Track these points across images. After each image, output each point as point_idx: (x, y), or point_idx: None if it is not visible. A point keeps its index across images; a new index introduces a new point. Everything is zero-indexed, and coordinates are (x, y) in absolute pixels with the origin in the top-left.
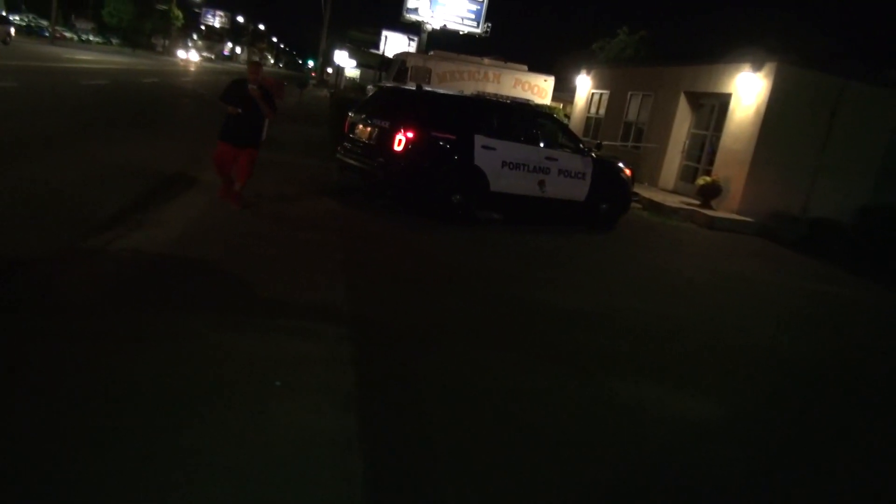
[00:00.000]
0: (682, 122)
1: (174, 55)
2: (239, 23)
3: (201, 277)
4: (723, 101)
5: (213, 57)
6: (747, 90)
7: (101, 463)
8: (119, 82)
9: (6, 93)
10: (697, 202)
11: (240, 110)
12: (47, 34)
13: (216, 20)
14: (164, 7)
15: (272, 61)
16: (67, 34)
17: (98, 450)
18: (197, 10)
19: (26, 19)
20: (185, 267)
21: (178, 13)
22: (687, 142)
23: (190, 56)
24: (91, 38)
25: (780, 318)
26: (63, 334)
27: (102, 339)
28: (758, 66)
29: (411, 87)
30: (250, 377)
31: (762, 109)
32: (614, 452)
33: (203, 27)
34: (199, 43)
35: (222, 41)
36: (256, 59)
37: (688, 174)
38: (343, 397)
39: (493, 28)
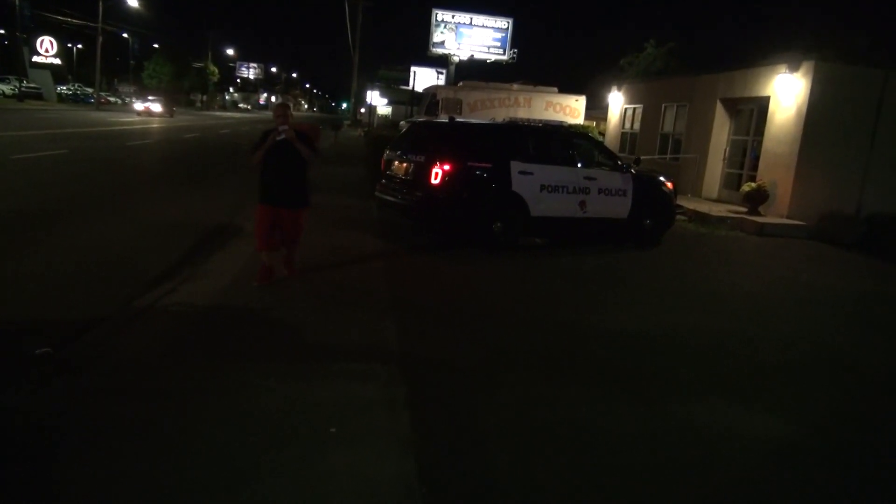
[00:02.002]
0: (721, 130)
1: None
2: (272, 73)
3: (251, 327)
4: (761, 105)
5: (249, 107)
6: (786, 92)
7: None
8: (162, 140)
9: (57, 160)
10: (745, 209)
11: (265, 154)
12: (92, 101)
13: (251, 72)
14: (201, 64)
15: (306, 106)
16: (111, 99)
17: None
18: (232, 64)
19: (72, 88)
20: (235, 317)
21: (214, 69)
22: (727, 149)
23: (152, 106)
24: (133, 100)
25: (850, 325)
26: (125, 392)
27: (161, 395)
28: (794, 67)
29: (443, 119)
30: (307, 425)
31: (803, 109)
32: (694, 480)
33: (238, 80)
34: (236, 95)
35: (257, 92)
36: (281, 100)
37: (731, 181)
38: (401, 441)
39: (519, 54)
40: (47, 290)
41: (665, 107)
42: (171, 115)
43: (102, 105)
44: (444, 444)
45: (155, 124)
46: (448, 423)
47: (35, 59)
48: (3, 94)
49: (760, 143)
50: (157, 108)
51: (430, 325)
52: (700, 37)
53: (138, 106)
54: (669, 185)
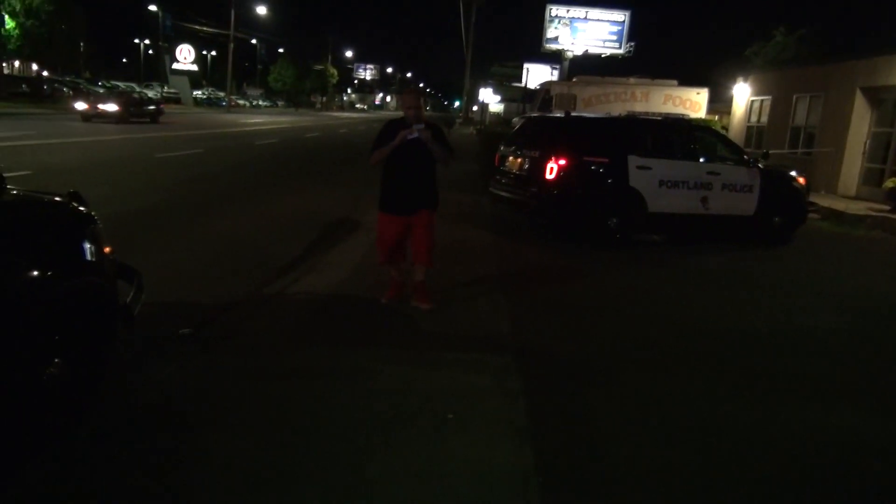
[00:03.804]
0: (861, 122)
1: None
2: (388, 73)
3: (370, 315)
4: None
5: (366, 107)
6: None
7: (290, 495)
8: (286, 139)
9: (195, 158)
10: (887, 207)
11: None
12: (224, 104)
13: (367, 73)
14: (321, 66)
15: None
16: (241, 101)
17: (284, 481)
18: (350, 66)
19: (206, 93)
20: (355, 306)
21: (333, 71)
22: (868, 142)
23: (103, 106)
24: (260, 102)
25: None
26: (257, 371)
27: (290, 375)
28: None
29: (558, 114)
30: (425, 410)
31: None
32: (823, 488)
33: (355, 81)
34: (353, 96)
35: (373, 92)
36: (412, 88)
37: (872, 177)
38: (517, 430)
39: (636, 47)
40: (187, 277)
41: (797, 98)
42: (128, 121)
43: (233, 108)
44: (560, 434)
45: (275, 125)
46: (563, 414)
47: (175, 66)
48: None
49: None
50: (110, 108)
51: (544, 319)
52: (834, 23)
53: (79, 105)
54: (801, 180)
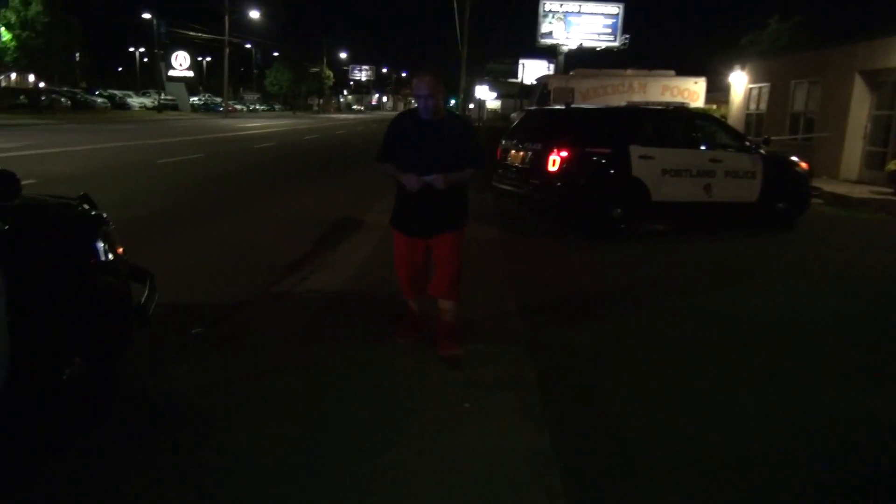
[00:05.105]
0: (861, 105)
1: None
2: (383, 73)
3: (379, 311)
4: None
5: (362, 108)
6: None
7: (311, 488)
8: (285, 142)
9: (194, 163)
10: (890, 190)
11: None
12: (221, 109)
13: (363, 74)
14: (317, 69)
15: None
16: (238, 106)
17: (302, 472)
18: (345, 68)
19: (203, 98)
20: (363, 303)
21: (329, 73)
22: (868, 125)
23: None
24: (257, 106)
25: None
26: (270, 367)
27: (302, 371)
28: None
29: (559, 107)
30: (440, 400)
31: None
32: (839, 467)
33: (351, 82)
34: (350, 97)
35: (370, 93)
36: (428, 70)
37: (874, 161)
38: (534, 418)
39: (631, 39)
40: (195, 278)
41: (795, 84)
42: None
43: (230, 113)
44: (578, 422)
45: (273, 129)
46: (579, 403)
47: (170, 73)
48: (145, 106)
49: None
50: None
51: (554, 309)
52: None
53: None
54: (804, 165)
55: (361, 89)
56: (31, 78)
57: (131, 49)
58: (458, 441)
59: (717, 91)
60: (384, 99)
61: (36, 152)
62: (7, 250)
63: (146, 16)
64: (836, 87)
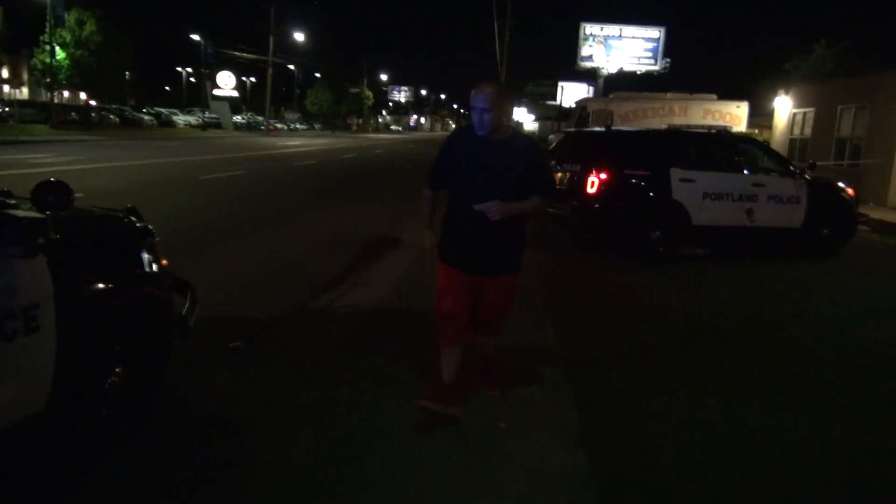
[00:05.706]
0: None
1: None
2: (422, 95)
3: (415, 328)
4: None
5: (401, 129)
6: None
7: (344, 502)
8: (324, 161)
9: (236, 180)
10: None
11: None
12: (262, 128)
13: (402, 95)
14: (357, 90)
15: (454, 126)
16: (279, 125)
17: (341, 489)
18: (385, 88)
19: (245, 117)
20: (398, 320)
21: (369, 93)
22: None
23: None
24: (298, 125)
25: None
26: (305, 381)
27: (337, 385)
28: None
29: (598, 129)
30: (475, 419)
31: None
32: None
33: (390, 103)
34: (388, 118)
35: (408, 114)
36: (493, 82)
37: None
38: (570, 438)
39: (672, 63)
40: (235, 292)
41: (841, 109)
42: None
43: (271, 131)
44: (613, 442)
45: (313, 147)
46: (615, 423)
47: (215, 92)
48: (190, 124)
49: None
50: None
51: (591, 330)
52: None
53: None
54: (850, 191)
55: (400, 110)
56: (83, 95)
57: (178, 69)
58: (494, 461)
59: (760, 116)
60: (422, 120)
61: (85, 167)
62: (57, 258)
63: (194, 37)
64: (886, 113)
